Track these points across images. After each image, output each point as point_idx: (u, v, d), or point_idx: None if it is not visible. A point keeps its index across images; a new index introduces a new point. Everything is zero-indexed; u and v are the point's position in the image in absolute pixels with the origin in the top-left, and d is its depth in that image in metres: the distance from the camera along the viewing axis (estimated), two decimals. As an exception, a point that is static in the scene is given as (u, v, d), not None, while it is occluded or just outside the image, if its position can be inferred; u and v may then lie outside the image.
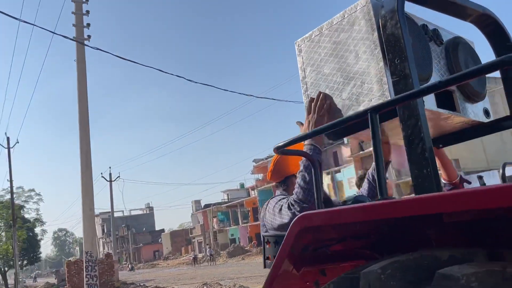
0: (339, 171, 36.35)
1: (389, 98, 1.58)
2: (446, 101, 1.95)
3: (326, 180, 35.29)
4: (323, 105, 1.80)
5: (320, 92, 1.84)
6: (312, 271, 1.46)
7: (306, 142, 1.83)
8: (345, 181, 34.67)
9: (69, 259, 29.73)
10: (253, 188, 50.87)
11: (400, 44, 1.53)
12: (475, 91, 2.04)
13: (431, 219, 1.25)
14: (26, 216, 35.47)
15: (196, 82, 12.36)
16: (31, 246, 35.35)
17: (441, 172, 2.56)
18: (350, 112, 1.74)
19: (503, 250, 0.96)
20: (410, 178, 0.90)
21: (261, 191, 44.54)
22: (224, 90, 16.58)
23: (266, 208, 2.05)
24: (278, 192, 2.22)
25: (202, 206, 59.14)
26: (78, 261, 21.02)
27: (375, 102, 1.63)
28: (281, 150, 1.44)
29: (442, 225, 1.27)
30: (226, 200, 57.97)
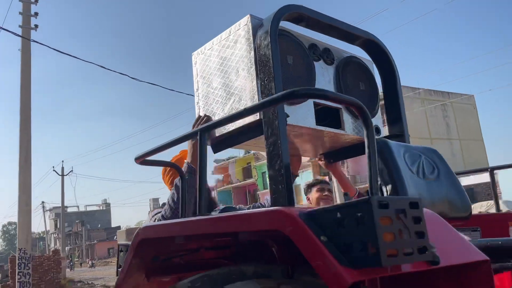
0: (297, 175, 36.77)
1: (258, 115, 1.65)
2: (334, 119, 2.05)
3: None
4: None
5: (205, 115, 1.91)
6: (170, 280, 1.51)
7: (186, 160, 1.90)
8: (303, 185, 35.18)
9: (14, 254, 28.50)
10: (213, 189, 50.45)
11: (269, 64, 1.60)
12: (364, 109, 2.15)
13: (271, 235, 1.33)
14: (-29, 208, 33.81)
15: (141, 81, 12.27)
16: (-26, 240, 33.70)
17: (341, 186, 2.68)
18: (228, 127, 1.81)
19: (295, 267, 1.04)
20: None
21: (220, 192, 44.38)
22: (171, 90, 16.45)
23: (146, 221, 2.11)
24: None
25: (160, 205, 58.21)
26: (22, 257, 20.18)
27: (247, 119, 1.70)
28: (142, 160, 1.47)
29: (280, 241, 1.35)
30: (185, 199, 57.42)
